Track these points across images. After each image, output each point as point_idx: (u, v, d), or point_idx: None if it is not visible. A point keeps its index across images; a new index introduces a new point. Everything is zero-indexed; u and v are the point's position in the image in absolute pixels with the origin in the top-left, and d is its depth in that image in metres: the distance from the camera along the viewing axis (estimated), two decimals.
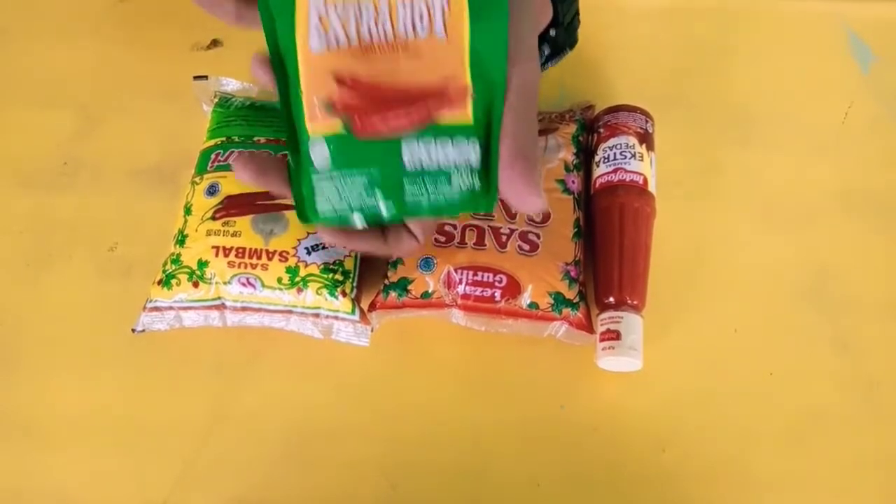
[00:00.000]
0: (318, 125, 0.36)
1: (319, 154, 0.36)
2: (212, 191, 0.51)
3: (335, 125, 0.36)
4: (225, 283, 0.48)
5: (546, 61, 0.56)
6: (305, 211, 0.38)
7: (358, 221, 0.38)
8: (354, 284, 0.50)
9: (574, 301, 0.49)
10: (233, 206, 0.50)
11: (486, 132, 0.36)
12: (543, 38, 0.53)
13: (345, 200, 0.37)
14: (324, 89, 0.35)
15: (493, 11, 0.35)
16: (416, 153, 0.36)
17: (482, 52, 0.35)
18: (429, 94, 0.35)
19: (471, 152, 0.36)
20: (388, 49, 0.35)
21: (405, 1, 0.35)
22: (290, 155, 0.37)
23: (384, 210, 0.37)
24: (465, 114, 0.36)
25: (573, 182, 0.53)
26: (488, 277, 0.49)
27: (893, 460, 0.48)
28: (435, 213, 0.37)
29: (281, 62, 0.36)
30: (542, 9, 0.50)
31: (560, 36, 0.55)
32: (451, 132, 0.36)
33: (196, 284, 0.49)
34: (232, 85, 0.58)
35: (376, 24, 0.35)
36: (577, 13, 0.56)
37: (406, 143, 0.36)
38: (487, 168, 0.36)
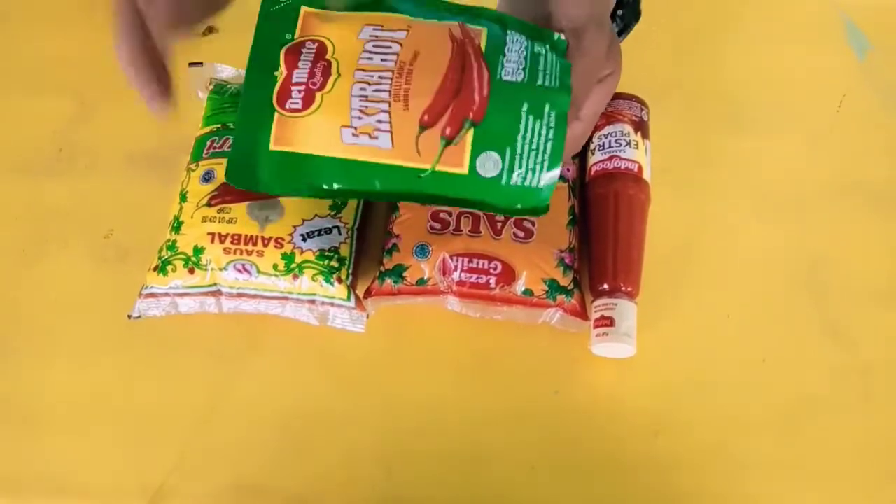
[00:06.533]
0: (462, 156, 0.37)
1: (490, 164, 0.37)
2: (207, 177, 0.51)
3: (468, 139, 0.37)
4: (221, 270, 0.49)
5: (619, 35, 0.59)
6: (539, 203, 0.38)
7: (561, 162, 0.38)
8: (350, 271, 0.50)
9: (568, 288, 0.49)
10: (228, 192, 0.50)
11: (497, 21, 0.39)
12: (612, 18, 0.57)
13: (537, 146, 0.37)
14: (430, 144, 0.37)
15: None
16: (511, 69, 0.37)
17: None
18: (459, 53, 0.37)
19: (515, 35, 0.39)
20: (403, 76, 0.37)
21: (364, 56, 0.37)
22: (487, 207, 0.39)
23: (563, 107, 0.37)
24: (480, 31, 0.38)
25: (568, 170, 0.53)
26: (483, 264, 0.49)
27: (885, 447, 0.49)
28: (566, 73, 0.38)
29: (390, 193, 0.38)
30: None
31: (627, 14, 0.59)
32: (496, 43, 0.38)
33: (192, 271, 0.49)
34: (227, 72, 0.58)
35: (381, 83, 0.37)
36: None
37: (501, 75, 0.37)
38: (530, 31, 0.39)
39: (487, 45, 0.38)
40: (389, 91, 0.36)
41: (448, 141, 0.36)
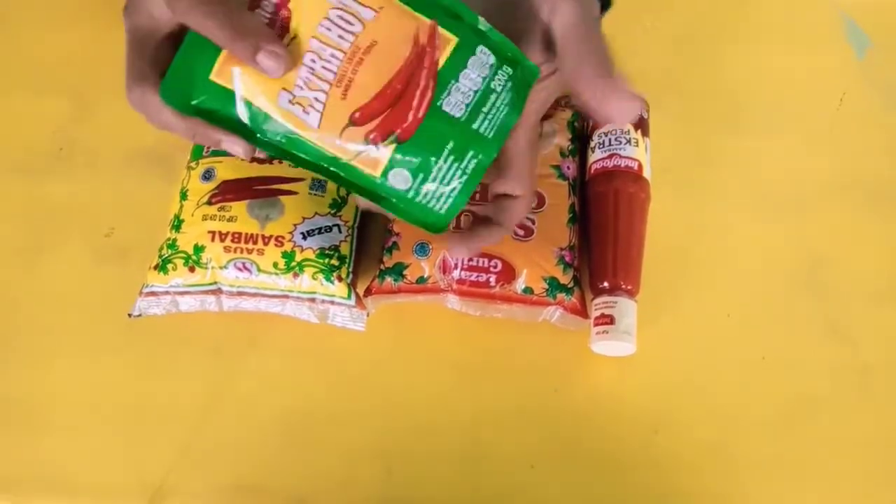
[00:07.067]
0: (378, 164, 0.36)
1: (401, 178, 0.37)
2: (207, 176, 0.51)
3: (388, 151, 0.36)
4: (221, 268, 0.49)
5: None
6: (434, 226, 0.39)
7: (464, 202, 0.38)
8: (350, 269, 0.50)
9: (568, 286, 0.49)
10: (228, 190, 0.50)
11: (471, 31, 0.37)
12: None
13: (451, 185, 0.37)
14: (352, 139, 0.36)
15: None
16: (456, 101, 0.36)
17: None
18: (416, 60, 0.36)
19: (483, 57, 0.37)
20: (353, 65, 0.35)
21: (325, 24, 0.35)
22: (382, 206, 0.38)
23: (486, 159, 0.37)
24: (450, 41, 0.36)
25: (568, 168, 0.53)
26: (483, 262, 0.49)
27: (884, 446, 0.49)
28: (514, 119, 0.38)
29: (305, 161, 0.37)
30: None
31: None
32: (457, 61, 0.36)
33: (192, 269, 0.49)
34: None
35: (327, 60, 0.35)
36: None
37: (441, 103, 0.36)
38: (503, 51, 0.37)
39: (448, 60, 0.36)
40: (335, 73, 0.35)
41: (370, 145, 0.36)
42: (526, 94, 0.38)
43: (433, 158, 0.36)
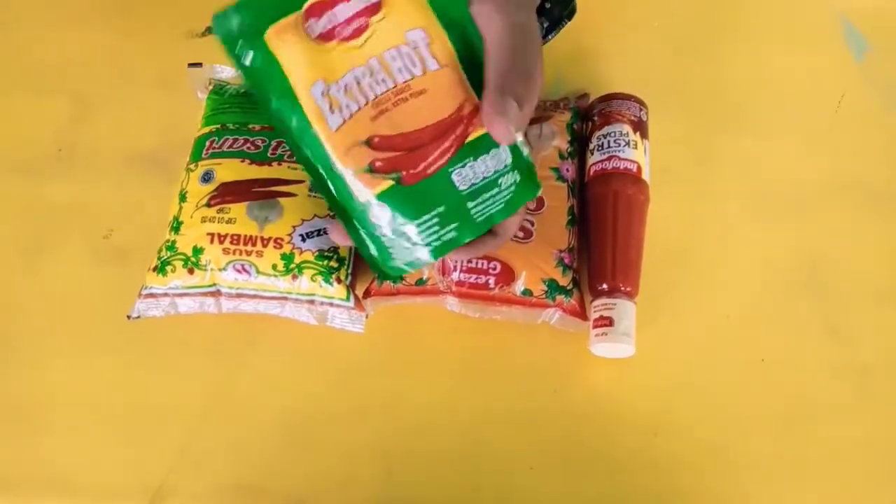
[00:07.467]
0: (368, 191, 0.37)
1: (381, 216, 0.38)
2: (206, 178, 0.51)
3: (384, 184, 0.37)
4: (220, 270, 0.49)
5: (546, 34, 0.56)
6: (385, 271, 0.40)
7: (427, 263, 0.40)
8: (349, 271, 0.50)
9: (568, 288, 0.49)
10: (227, 193, 0.50)
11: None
12: (539, 12, 0.53)
13: (419, 245, 0.38)
14: (359, 157, 0.36)
15: (466, 22, 0.37)
16: (465, 176, 0.38)
17: (471, 63, 0.38)
18: (452, 124, 0.37)
19: (503, 154, 0.38)
20: (397, 98, 0.36)
21: (391, 51, 0.36)
22: (349, 229, 0.39)
23: (461, 238, 0.39)
24: (483, 126, 0.37)
25: (567, 170, 0.53)
26: (482, 264, 0.49)
27: (883, 447, 0.49)
28: (502, 218, 0.40)
29: (304, 155, 0.38)
30: None
31: (555, 10, 0.56)
32: (482, 145, 0.38)
33: (191, 271, 0.49)
34: (227, 72, 0.58)
35: (377, 82, 0.36)
36: None
37: (452, 171, 0.37)
38: (520, 159, 0.39)
39: (476, 140, 0.37)
40: (377, 96, 0.36)
41: (370, 171, 0.37)
42: (521, 204, 0.40)
43: (420, 213, 0.37)
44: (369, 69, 0.36)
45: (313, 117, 0.36)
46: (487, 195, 0.38)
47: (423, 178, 0.37)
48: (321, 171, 0.38)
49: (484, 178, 0.38)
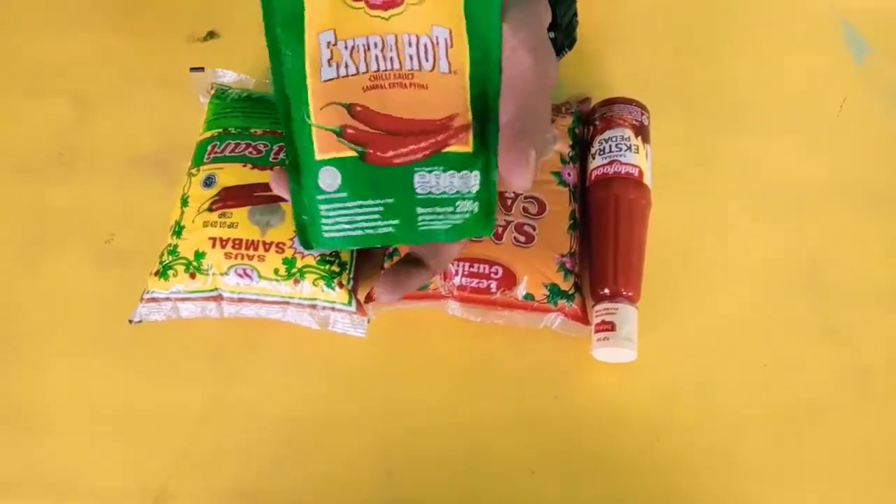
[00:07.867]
0: (328, 154, 0.36)
1: (330, 179, 0.37)
2: (208, 182, 0.51)
3: (346, 153, 0.36)
4: (222, 275, 0.49)
5: None
6: (308, 238, 0.38)
7: (354, 247, 0.38)
8: (351, 276, 0.50)
9: (569, 292, 0.49)
10: (229, 197, 0.50)
11: (484, 158, 0.37)
12: None
13: (355, 226, 0.37)
14: (335, 116, 0.36)
15: (490, 43, 0.36)
16: (427, 182, 0.37)
17: (479, 82, 0.37)
18: (437, 128, 0.36)
19: (472, 179, 0.37)
20: (396, 80, 0.36)
21: (411, 36, 0.36)
22: (292, 181, 0.38)
23: (398, 238, 0.38)
24: (467, 145, 0.37)
25: (569, 174, 0.53)
26: (484, 269, 0.49)
27: (885, 449, 0.49)
28: (442, 239, 0.38)
29: (283, 91, 0.37)
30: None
31: (559, 37, 0.56)
32: (457, 161, 0.37)
33: (193, 275, 0.49)
34: (228, 76, 0.58)
35: (384, 57, 0.36)
36: (574, 14, 0.56)
37: (418, 171, 0.37)
38: (486, 194, 0.38)
39: (452, 155, 0.36)
40: (378, 71, 0.36)
41: (339, 134, 0.36)
42: (467, 236, 0.39)
43: (368, 195, 0.37)
44: (383, 42, 0.36)
45: (309, 60, 0.36)
46: (440, 210, 0.38)
47: (386, 165, 0.36)
48: (292, 113, 0.37)
49: (444, 192, 0.37)
